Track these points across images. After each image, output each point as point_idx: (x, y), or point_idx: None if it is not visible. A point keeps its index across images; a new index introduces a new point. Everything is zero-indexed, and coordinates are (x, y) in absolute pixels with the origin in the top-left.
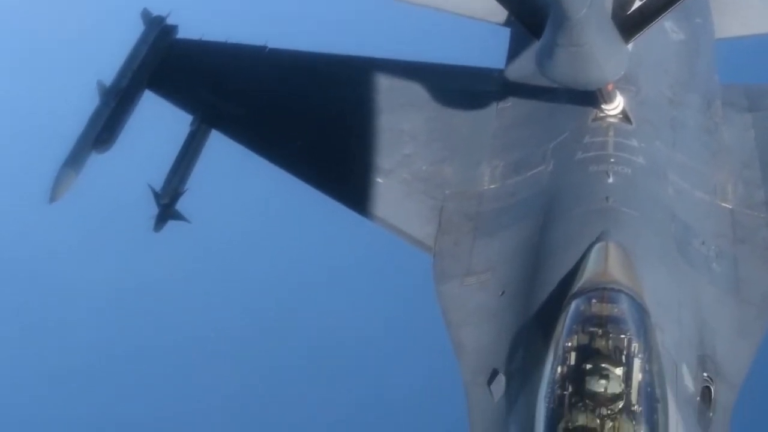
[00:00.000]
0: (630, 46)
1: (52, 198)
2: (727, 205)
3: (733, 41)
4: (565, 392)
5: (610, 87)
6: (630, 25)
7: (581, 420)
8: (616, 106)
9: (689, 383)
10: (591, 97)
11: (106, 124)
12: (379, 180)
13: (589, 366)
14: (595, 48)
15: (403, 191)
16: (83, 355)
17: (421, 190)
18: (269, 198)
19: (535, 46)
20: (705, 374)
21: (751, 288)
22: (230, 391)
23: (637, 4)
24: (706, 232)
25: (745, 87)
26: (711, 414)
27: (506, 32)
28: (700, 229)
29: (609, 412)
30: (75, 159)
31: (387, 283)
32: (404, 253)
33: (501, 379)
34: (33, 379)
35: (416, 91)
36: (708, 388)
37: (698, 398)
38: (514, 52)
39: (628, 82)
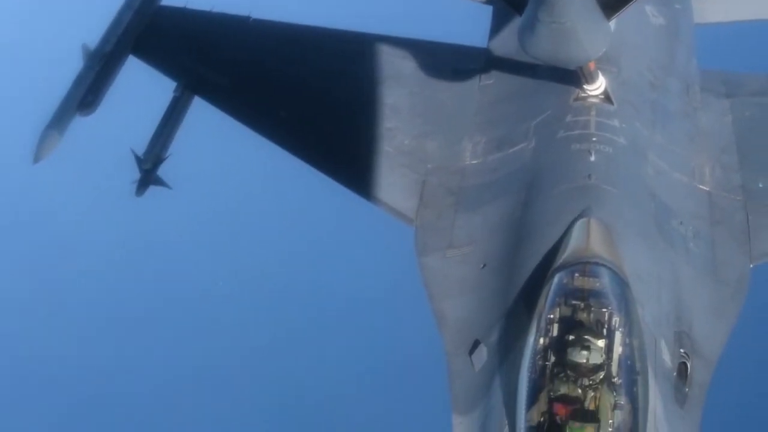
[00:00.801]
0: (612, 24)
1: (36, 158)
2: (705, 188)
3: (712, 27)
4: (547, 363)
5: (592, 66)
6: (612, 3)
7: (563, 390)
8: (598, 86)
9: (667, 358)
10: (573, 77)
11: (91, 87)
12: (361, 152)
13: (571, 337)
14: (577, 25)
15: (386, 164)
16: (62, 318)
17: (403, 164)
18: (251, 166)
19: (517, 22)
20: (682, 350)
21: (727, 269)
22: (215, 352)
23: None
24: (684, 213)
25: (723, 74)
26: (687, 389)
27: (489, 11)
28: (679, 210)
29: (590, 382)
30: (59, 121)
31: (369, 253)
32: (386, 225)
33: (482, 350)
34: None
35: (400, 66)
36: (684, 364)
37: (675, 373)
38: (496, 29)
39: (610, 63)
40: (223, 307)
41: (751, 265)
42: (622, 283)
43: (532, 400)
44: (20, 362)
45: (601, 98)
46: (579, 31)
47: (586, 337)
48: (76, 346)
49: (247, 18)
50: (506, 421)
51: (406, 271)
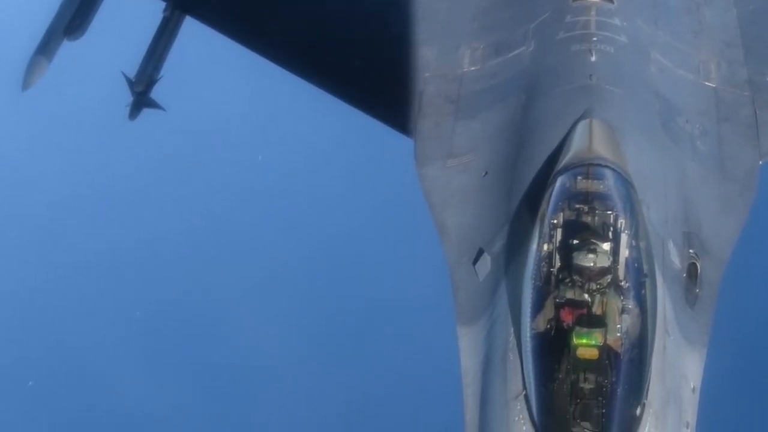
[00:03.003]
0: None
1: (25, 85)
2: (711, 84)
3: None
4: (552, 268)
5: None
6: None
7: (569, 295)
8: None
9: (675, 259)
10: None
11: (78, 10)
12: (356, 64)
13: (575, 242)
14: None
15: (381, 75)
16: (57, 249)
17: (399, 74)
18: (245, 83)
19: None
20: (691, 251)
21: (734, 165)
22: (209, 284)
23: None
24: (690, 110)
25: None
26: (697, 290)
27: None
28: (684, 107)
29: (597, 286)
30: (47, 46)
31: (367, 168)
32: (384, 137)
33: (486, 258)
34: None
35: None
36: (694, 265)
37: (684, 275)
38: None
39: None
40: (218, 233)
41: (761, 162)
42: (626, 184)
43: (538, 306)
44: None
45: None
46: None
47: (591, 240)
48: (62, 281)
49: None
50: (512, 330)
51: (408, 185)
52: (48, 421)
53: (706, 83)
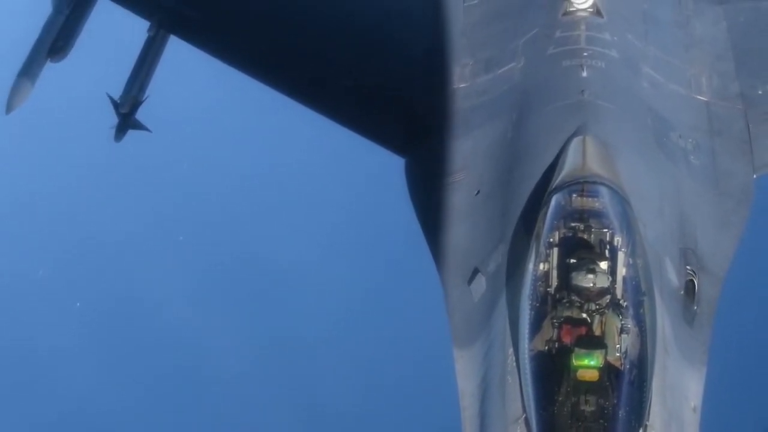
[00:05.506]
0: None
1: (9, 108)
2: (703, 98)
3: None
4: (549, 288)
5: None
6: None
7: (567, 315)
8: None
9: (673, 277)
10: None
11: (61, 32)
12: (345, 82)
13: (572, 261)
14: None
15: (371, 93)
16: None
17: (389, 92)
18: (232, 102)
19: None
20: (688, 267)
21: (729, 180)
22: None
23: None
24: (683, 125)
25: None
26: (695, 308)
27: None
28: (677, 122)
29: (596, 306)
30: (30, 69)
31: (358, 187)
32: (375, 157)
33: (481, 279)
34: None
35: None
36: (691, 282)
37: (682, 292)
38: None
39: None
40: (206, 251)
41: (755, 176)
42: (622, 201)
43: (536, 328)
44: None
45: (590, 11)
46: None
47: (589, 259)
48: (51, 294)
49: None
50: (510, 351)
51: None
52: None
53: (698, 97)
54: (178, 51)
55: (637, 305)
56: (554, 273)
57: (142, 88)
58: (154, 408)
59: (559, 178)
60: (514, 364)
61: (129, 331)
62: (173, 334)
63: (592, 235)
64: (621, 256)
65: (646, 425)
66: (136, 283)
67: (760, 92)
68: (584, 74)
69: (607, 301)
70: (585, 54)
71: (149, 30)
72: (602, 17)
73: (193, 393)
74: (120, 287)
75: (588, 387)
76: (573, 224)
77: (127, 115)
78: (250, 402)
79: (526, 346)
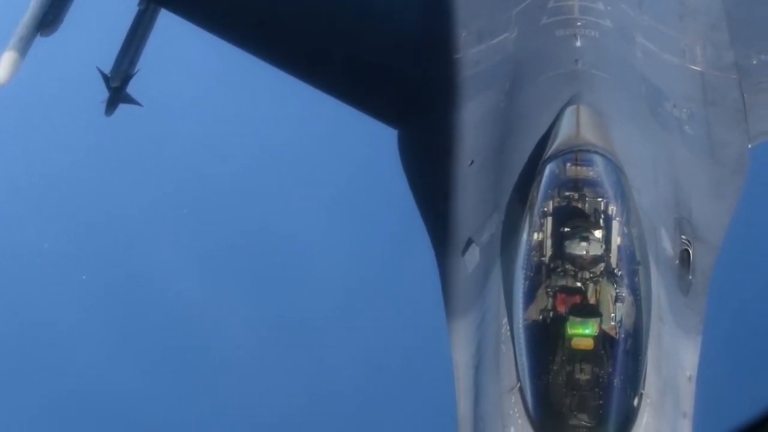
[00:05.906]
0: None
1: None
2: (697, 68)
3: None
4: (543, 258)
5: None
6: None
7: (562, 285)
8: None
9: (667, 246)
10: None
11: (51, 5)
12: (338, 56)
13: (566, 230)
14: None
15: (363, 65)
16: (28, 247)
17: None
18: (224, 76)
19: None
20: (683, 237)
21: (724, 149)
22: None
23: None
24: (677, 95)
25: None
26: (690, 277)
27: None
28: (671, 92)
29: (590, 275)
30: (20, 42)
31: (351, 159)
32: (368, 128)
33: (475, 249)
34: None
35: None
36: (686, 251)
37: (677, 261)
38: None
39: None
40: (197, 227)
41: (750, 145)
42: (616, 170)
43: (530, 297)
44: None
45: None
46: None
47: (582, 228)
48: (39, 278)
49: None
50: (504, 321)
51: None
52: None
53: (692, 67)
54: (169, 24)
55: (632, 274)
56: (548, 242)
57: (133, 61)
58: (159, 381)
59: (552, 147)
60: (509, 333)
61: (135, 305)
62: (176, 306)
63: (587, 204)
64: (615, 225)
65: (641, 394)
66: (139, 257)
67: (754, 62)
68: (578, 44)
69: (602, 269)
70: (579, 24)
71: (140, 3)
72: None
73: (198, 368)
74: (125, 260)
75: (583, 355)
76: (567, 193)
77: (117, 88)
78: (257, 377)
79: (521, 315)
